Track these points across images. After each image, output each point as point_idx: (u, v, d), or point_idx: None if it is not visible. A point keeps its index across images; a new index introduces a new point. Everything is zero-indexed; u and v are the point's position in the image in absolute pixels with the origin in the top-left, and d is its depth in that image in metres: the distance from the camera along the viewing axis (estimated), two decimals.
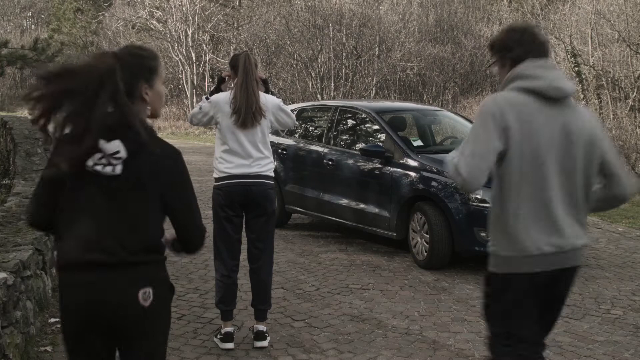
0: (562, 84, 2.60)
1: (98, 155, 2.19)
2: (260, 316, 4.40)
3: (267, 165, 4.30)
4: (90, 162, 2.19)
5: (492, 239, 2.68)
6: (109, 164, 2.20)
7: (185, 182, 2.68)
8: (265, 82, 4.46)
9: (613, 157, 2.70)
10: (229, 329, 4.35)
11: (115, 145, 2.18)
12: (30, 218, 2.44)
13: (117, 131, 2.18)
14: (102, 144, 2.17)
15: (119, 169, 2.22)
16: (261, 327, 4.38)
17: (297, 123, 4.78)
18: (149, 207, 2.51)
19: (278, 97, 4.48)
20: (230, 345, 4.29)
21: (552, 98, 2.57)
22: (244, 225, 4.39)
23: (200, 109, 4.35)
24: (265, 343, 4.32)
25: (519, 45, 2.63)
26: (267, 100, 4.32)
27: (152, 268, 2.58)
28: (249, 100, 4.14)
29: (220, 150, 4.29)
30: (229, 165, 4.23)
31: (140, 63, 2.28)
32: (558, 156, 2.54)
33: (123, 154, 2.21)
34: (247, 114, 4.14)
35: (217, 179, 4.31)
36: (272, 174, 4.36)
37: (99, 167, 2.20)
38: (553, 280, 2.63)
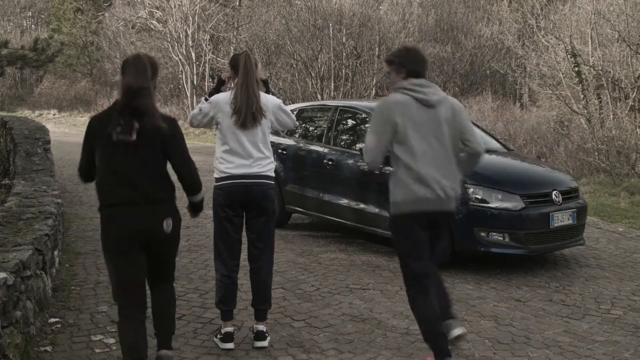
0: (432, 97, 3.84)
1: (119, 129, 3.41)
2: (260, 316, 4.41)
3: (267, 166, 4.33)
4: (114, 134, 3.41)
5: (391, 192, 3.84)
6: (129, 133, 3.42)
7: (178, 139, 3.71)
8: (265, 82, 4.48)
9: (468, 129, 3.94)
10: (229, 329, 4.36)
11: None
12: (81, 176, 3.91)
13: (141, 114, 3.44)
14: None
15: (134, 136, 3.43)
16: (261, 327, 4.38)
17: (297, 123, 4.77)
18: (159, 159, 3.64)
19: (278, 98, 4.50)
20: (230, 345, 4.30)
21: (426, 104, 3.81)
22: (244, 225, 4.41)
23: (200, 110, 4.38)
24: (265, 343, 4.33)
25: (411, 63, 3.93)
26: (268, 100, 4.35)
27: (169, 205, 3.65)
28: (249, 100, 4.17)
29: (221, 151, 4.31)
30: (229, 166, 4.26)
31: (155, 64, 3.55)
32: (434, 136, 3.78)
33: (137, 126, 3.43)
34: (247, 114, 4.17)
35: (217, 179, 4.34)
36: (273, 174, 4.38)
37: (122, 136, 3.42)
38: (433, 219, 3.83)
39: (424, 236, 3.81)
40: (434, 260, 3.92)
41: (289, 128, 4.73)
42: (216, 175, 4.34)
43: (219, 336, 4.38)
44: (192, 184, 3.79)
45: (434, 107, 3.82)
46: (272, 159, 4.40)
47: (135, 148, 3.44)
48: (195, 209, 3.90)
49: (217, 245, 4.38)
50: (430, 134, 3.76)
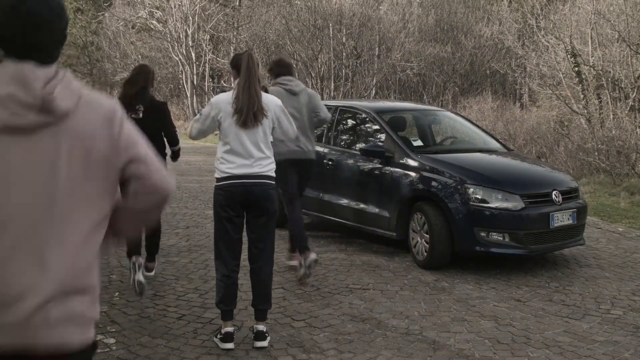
0: (295, 88, 5.94)
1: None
2: (260, 316, 4.40)
3: (268, 166, 4.32)
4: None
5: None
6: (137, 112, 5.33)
7: (166, 113, 5.64)
8: (264, 89, 4.58)
9: (319, 107, 6.13)
10: (229, 329, 4.36)
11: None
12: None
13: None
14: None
15: (141, 114, 5.33)
16: (261, 327, 4.37)
17: (297, 132, 4.83)
18: (159, 130, 5.52)
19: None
20: (230, 345, 4.29)
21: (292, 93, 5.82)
22: (244, 225, 4.40)
23: (200, 114, 4.42)
24: (265, 343, 4.31)
25: (279, 68, 6.13)
26: (269, 100, 4.37)
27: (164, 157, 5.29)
28: (251, 100, 4.18)
29: (222, 151, 4.31)
30: (230, 166, 4.25)
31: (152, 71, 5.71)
32: (298, 113, 5.81)
33: (142, 108, 5.38)
34: (248, 114, 4.18)
35: (218, 179, 4.33)
36: (274, 174, 4.38)
37: (133, 115, 5.28)
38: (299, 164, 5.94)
39: (293, 173, 5.89)
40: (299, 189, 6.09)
41: (289, 136, 4.66)
42: (217, 175, 4.34)
43: (219, 336, 4.37)
44: (173, 140, 5.75)
45: (297, 94, 5.91)
46: (273, 159, 4.40)
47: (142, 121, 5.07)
48: (176, 155, 5.93)
49: (218, 245, 4.37)
50: (296, 112, 5.77)
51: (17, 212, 1.62)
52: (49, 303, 1.63)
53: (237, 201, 4.26)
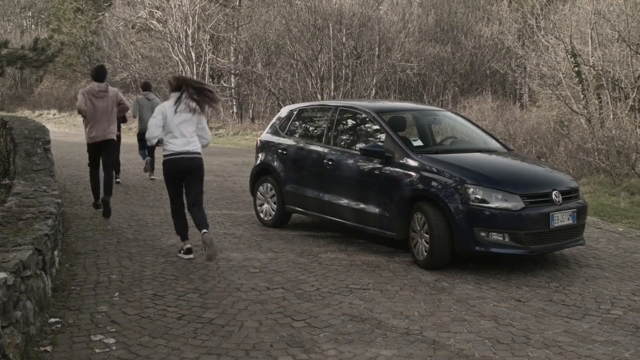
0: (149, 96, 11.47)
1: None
2: (204, 228, 6.28)
3: (198, 145, 6.53)
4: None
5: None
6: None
7: (155, 102, 11.17)
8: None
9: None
10: (189, 245, 6.56)
11: None
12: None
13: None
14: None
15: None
16: (204, 230, 6.24)
17: (211, 140, 7.22)
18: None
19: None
20: (192, 256, 6.47)
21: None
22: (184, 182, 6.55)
23: (155, 118, 6.40)
24: (208, 231, 6.25)
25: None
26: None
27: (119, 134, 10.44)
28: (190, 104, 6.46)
29: (168, 137, 6.42)
30: (174, 146, 6.41)
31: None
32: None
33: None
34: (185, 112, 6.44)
35: (166, 155, 6.47)
36: (201, 150, 6.57)
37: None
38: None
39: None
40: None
41: (205, 139, 6.71)
42: (165, 152, 6.45)
43: (182, 252, 6.49)
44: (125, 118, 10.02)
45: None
46: (199, 140, 6.55)
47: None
48: (124, 120, 10.13)
49: (170, 193, 6.70)
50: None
51: (101, 115, 8.25)
52: None
53: (180, 167, 6.46)
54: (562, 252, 6.91)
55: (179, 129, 6.36)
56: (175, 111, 6.34)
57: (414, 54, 24.10)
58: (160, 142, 6.47)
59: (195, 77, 26.87)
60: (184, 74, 27.41)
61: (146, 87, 11.98)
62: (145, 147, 11.28)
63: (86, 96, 8.25)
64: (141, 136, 10.89)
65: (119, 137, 9.45)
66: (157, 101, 11.23)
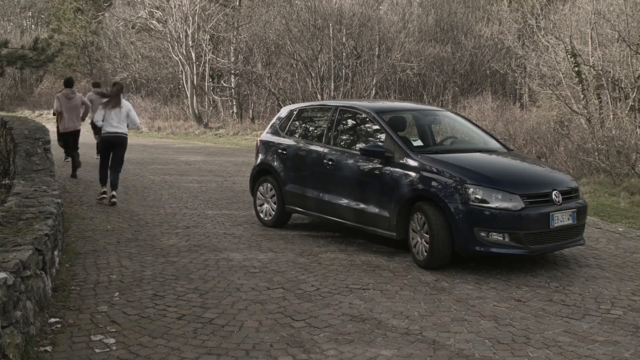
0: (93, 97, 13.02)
1: None
2: (115, 188, 9.40)
3: (125, 128, 9.46)
4: None
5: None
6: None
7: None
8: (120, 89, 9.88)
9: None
10: (105, 189, 9.53)
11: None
12: None
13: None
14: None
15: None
16: (113, 192, 9.36)
17: (140, 124, 10.37)
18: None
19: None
20: (104, 196, 9.50)
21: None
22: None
23: (97, 113, 9.72)
24: (115, 193, 9.40)
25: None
26: (125, 103, 9.62)
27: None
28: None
29: (102, 120, 9.38)
30: (107, 128, 9.34)
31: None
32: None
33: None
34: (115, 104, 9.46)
35: (102, 133, 9.45)
36: (127, 131, 9.54)
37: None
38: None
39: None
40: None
41: (135, 122, 9.70)
42: (102, 132, 9.39)
43: (100, 196, 9.55)
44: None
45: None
46: (126, 125, 9.52)
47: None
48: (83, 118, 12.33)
49: (101, 159, 9.64)
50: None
51: (71, 112, 11.89)
52: None
53: (111, 143, 9.38)
54: (562, 252, 6.91)
55: (111, 116, 9.35)
56: (106, 106, 9.41)
57: (414, 54, 24.10)
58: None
59: (195, 77, 26.90)
60: (183, 73, 27.45)
61: (96, 85, 15.38)
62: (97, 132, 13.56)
63: (60, 99, 11.86)
64: (95, 126, 13.22)
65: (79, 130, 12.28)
66: None
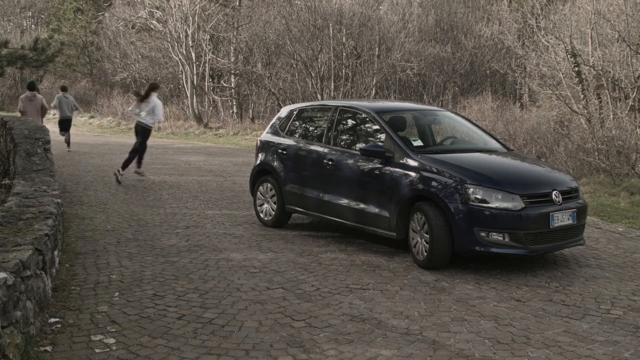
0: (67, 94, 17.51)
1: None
2: (125, 165, 11.67)
3: (149, 120, 11.56)
4: None
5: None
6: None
7: (70, 99, 17.20)
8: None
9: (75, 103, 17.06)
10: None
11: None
12: None
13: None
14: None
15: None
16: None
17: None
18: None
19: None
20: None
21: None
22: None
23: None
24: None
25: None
26: (153, 100, 11.66)
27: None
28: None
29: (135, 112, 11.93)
30: (138, 118, 11.75)
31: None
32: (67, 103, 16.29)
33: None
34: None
35: (136, 122, 11.89)
36: (151, 122, 11.69)
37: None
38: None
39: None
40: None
41: (157, 116, 11.72)
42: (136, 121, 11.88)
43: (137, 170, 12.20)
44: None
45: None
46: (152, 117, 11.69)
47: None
48: (43, 115, 14.94)
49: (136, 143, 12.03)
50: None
51: (33, 111, 14.61)
52: None
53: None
54: (562, 252, 6.91)
55: (141, 109, 11.69)
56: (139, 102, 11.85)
57: (414, 54, 24.10)
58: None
59: (195, 77, 26.90)
60: (183, 73, 27.45)
61: (64, 89, 17.35)
62: (64, 128, 16.94)
63: (23, 100, 14.41)
64: (61, 121, 16.81)
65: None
66: (72, 99, 17.05)
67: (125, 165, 11.59)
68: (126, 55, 32.83)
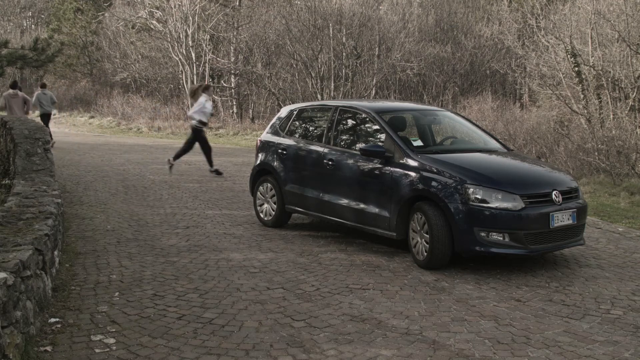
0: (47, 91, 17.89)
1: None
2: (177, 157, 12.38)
3: (196, 117, 12.03)
4: None
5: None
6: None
7: (49, 95, 17.74)
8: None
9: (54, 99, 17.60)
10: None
11: None
12: None
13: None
14: None
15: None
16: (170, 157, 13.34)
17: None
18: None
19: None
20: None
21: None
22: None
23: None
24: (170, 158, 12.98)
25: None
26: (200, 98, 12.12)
27: None
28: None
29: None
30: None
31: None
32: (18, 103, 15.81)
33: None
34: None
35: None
36: (195, 120, 12.07)
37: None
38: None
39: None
40: None
41: (197, 114, 12.12)
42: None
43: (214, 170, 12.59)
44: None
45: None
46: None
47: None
48: (27, 112, 15.73)
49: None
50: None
51: (16, 108, 15.49)
52: None
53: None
54: (562, 252, 6.91)
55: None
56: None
57: (414, 54, 24.10)
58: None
59: (195, 77, 26.91)
60: (183, 73, 27.45)
61: (43, 86, 18.29)
62: (44, 122, 17.08)
63: (6, 97, 15.57)
64: (41, 115, 17.39)
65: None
66: (50, 94, 17.63)
67: (177, 156, 12.39)
68: (126, 55, 32.83)
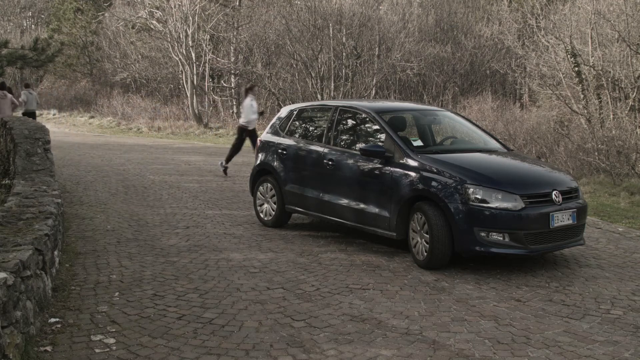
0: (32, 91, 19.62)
1: None
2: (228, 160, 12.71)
3: (243, 118, 12.58)
4: None
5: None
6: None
7: (34, 95, 20.10)
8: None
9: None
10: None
11: None
12: None
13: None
14: None
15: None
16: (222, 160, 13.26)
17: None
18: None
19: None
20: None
21: None
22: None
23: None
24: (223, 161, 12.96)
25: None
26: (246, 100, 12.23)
27: None
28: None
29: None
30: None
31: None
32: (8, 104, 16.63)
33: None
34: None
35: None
36: (242, 121, 12.55)
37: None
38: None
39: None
40: None
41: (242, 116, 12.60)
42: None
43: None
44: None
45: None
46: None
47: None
48: (13, 110, 16.78)
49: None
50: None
51: (4, 107, 15.96)
52: None
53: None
54: (562, 252, 6.91)
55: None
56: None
57: (414, 54, 24.10)
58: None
59: (195, 77, 26.91)
60: (183, 73, 27.45)
61: (27, 85, 20.10)
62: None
63: None
64: (26, 114, 18.14)
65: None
66: (35, 94, 19.26)
67: (228, 158, 12.89)
68: (126, 55, 32.84)
